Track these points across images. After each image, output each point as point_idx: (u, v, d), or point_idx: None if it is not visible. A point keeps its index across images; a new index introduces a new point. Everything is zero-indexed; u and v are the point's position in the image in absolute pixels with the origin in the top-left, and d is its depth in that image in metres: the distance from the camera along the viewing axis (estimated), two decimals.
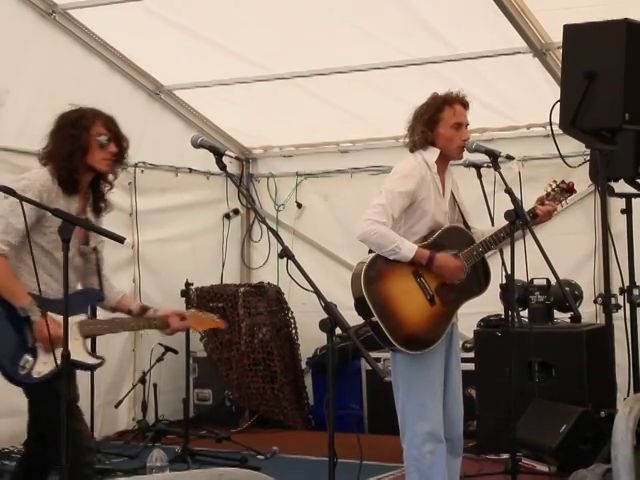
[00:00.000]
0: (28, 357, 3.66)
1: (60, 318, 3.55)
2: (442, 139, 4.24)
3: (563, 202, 4.46)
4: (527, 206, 4.31)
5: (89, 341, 3.90)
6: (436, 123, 4.22)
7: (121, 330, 3.97)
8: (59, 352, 3.55)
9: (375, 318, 4.07)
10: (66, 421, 3.34)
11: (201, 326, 4.18)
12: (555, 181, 4.45)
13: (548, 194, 4.40)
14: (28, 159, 6.52)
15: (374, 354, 5.91)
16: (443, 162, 4.29)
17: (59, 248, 3.65)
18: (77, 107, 3.94)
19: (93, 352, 3.94)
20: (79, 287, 3.95)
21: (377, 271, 4.13)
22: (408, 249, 4.09)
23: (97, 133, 3.84)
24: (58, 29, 6.65)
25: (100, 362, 3.90)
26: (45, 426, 3.79)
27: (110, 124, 3.90)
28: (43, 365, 3.67)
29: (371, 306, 4.07)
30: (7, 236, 3.68)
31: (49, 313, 3.66)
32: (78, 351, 3.76)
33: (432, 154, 4.25)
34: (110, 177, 3.96)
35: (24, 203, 3.54)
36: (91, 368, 3.92)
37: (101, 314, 4.11)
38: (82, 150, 3.81)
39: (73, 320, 3.73)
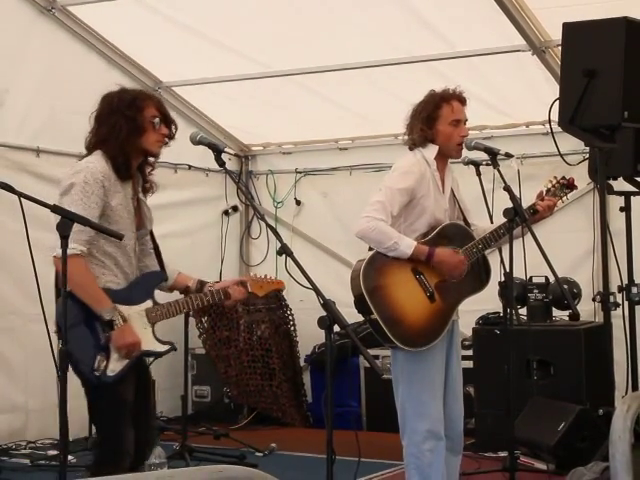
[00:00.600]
0: (101, 356, 3.65)
1: (129, 309, 3.66)
2: (441, 136, 4.23)
3: (564, 198, 4.46)
4: (526, 204, 4.31)
5: (157, 327, 3.83)
6: (434, 120, 4.22)
7: (187, 310, 3.88)
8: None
9: (374, 315, 4.06)
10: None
11: (261, 290, 4.05)
12: (555, 177, 4.45)
13: (548, 190, 4.39)
14: (26, 155, 6.54)
15: (373, 351, 5.93)
16: (442, 159, 4.29)
17: (126, 236, 3.71)
18: (123, 88, 3.87)
19: (159, 337, 3.86)
20: (138, 273, 3.89)
21: (376, 268, 4.13)
22: (407, 245, 4.09)
23: (151, 115, 3.76)
24: (57, 25, 6.65)
25: (170, 348, 3.88)
26: (97, 426, 3.81)
27: (160, 106, 3.84)
28: (116, 363, 3.67)
29: (370, 303, 4.06)
30: (81, 234, 3.59)
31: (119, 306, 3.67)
32: (148, 340, 3.77)
33: (431, 151, 4.24)
34: (151, 159, 3.89)
35: (91, 195, 3.57)
36: (161, 355, 3.89)
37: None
38: (138, 132, 3.73)
39: (140, 308, 3.75)
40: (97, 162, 3.70)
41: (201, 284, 3.97)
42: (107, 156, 3.72)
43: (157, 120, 3.77)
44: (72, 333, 3.55)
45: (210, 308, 7.44)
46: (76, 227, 3.50)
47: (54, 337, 3.52)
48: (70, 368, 3.40)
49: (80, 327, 3.64)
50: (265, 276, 4.13)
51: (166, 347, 3.86)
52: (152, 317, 3.79)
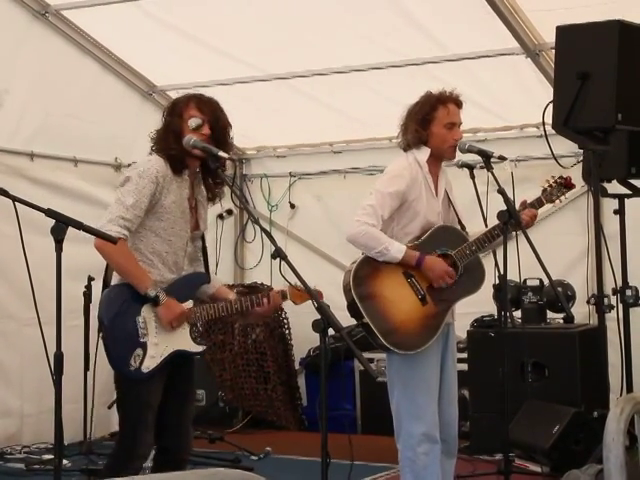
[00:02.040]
0: (139, 352, 3.70)
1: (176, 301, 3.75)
2: (435, 138, 4.23)
3: (561, 197, 4.45)
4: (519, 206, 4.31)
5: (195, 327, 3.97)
6: (429, 122, 4.22)
7: (225, 313, 3.91)
8: (174, 338, 3.72)
9: (366, 319, 4.07)
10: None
11: (300, 299, 4.04)
12: (553, 177, 4.45)
13: (545, 190, 4.39)
14: (21, 160, 6.53)
15: (367, 354, 5.93)
16: (435, 162, 4.29)
17: (177, 235, 3.80)
18: (181, 96, 3.99)
19: (196, 337, 3.93)
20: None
21: (368, 272, 4.13)
22: (397, 250, 4.09)
23: (189, 116, 3.83)
24: (51, 30, 6.64)
25: (204, 349, 3.97)
26: (119, 423, 3.84)
27: (203, 106, 3.89)
28: (151, 359, 3.72)
29: (361, 307, 4.07)
30: (127, 222, 3.70)
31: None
32: (184, 340, 3.83)
33: (424, 153, 4.25)
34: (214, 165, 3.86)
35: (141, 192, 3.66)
36: (195, 356, 3.94)
37: None
38: (175, 134, 3.80)
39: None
40: (155, 160, 3.81)
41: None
42: (163, 154, 3.82)
43: (193, 120, 3.82)
44: (115, 326, 3.68)
45: None
46: (119, 210, 3.66)
47: (50, 341, 3.51)
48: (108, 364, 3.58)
49: (122, 321, 3.71)
50: (301, 286, 4.13)
51: (202, 347, 3.95)
52: (190, 318, 3.84)
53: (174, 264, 3.84)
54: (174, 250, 3.82)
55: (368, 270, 4.13)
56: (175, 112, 3.87)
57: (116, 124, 6.90)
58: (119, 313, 3.73)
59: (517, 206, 4.29)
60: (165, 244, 3.80)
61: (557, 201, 4.46)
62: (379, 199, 4.13)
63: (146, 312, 3.76)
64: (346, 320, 3.90)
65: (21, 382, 6.41)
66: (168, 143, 3.82)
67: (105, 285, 3.83)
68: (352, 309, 4.12)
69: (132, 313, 3.73)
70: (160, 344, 3.76)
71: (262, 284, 7.69)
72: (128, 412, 3.77)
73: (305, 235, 8.03)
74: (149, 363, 3.72)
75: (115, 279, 3.85)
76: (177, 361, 3.83)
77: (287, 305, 7.49)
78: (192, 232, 3.90)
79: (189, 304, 3.85)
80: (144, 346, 3.72)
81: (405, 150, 4.31)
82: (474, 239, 4.27)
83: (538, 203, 4.38)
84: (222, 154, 3.74)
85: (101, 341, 3.79)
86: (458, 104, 4.28)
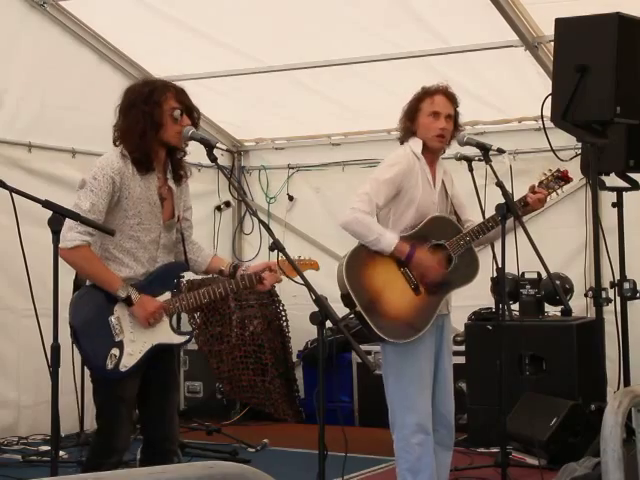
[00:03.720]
0: (115, 351, 3.65)
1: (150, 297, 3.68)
2: (421, 128, 4.25)
3: (558, 190, 4.45)
4: (518, 199, 4.30)
5: (176, 318, 3.86)
6: (416, 113, 4.25)
7: (209, 299, 3.84)
8: (152, 333, 3.67)
9: (358, 308, 4.07)
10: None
11: (295, 272, 3.90)
12: (550, 169, 4.44)
13: (541, 182, 4.39)
14: (18, 150, 6.52)
15: (365, 347, 5.91)
16: (430, 153, 4.29)
17: (147, 230, 3.71)
18: (145, 79, 3.85)
19: (179, 329, 3.87)
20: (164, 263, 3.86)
21: (360, 261, 4.13)
22: (387, 244, 4.09)
23: (170, 107, 3.71)
24: (49, 20, 6.63)
25: (187, 339, 3.87)
26: (96, 416, 3.80)
27: (181, 96, 3.77)
28: (129, 357, 3.67)
29: (354, 296, 4.07)
30: (80, 226, 3.59)
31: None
32: (163, 333, 3.76)
33: (417, 144, 4.26)
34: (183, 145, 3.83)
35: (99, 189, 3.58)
36: (178, 347, 3.88)
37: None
38: (156, 127, 3.69)
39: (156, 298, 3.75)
40: (110, 159, 3.69)
41: (234, 268, 3.94)
42: (127, 151, 3.71)
43: (177, 112, 3.72)
44: (86, 328, 3.62)
45: (202, 305, 7.43)
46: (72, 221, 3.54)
47: (48, 332, 3.50)
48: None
49: (94, 322, 3.66)
50: (299, 257, 4.08)
51: (183, 338, 3.86)
52: (169, 309, 3.78)
53: (148, 259, 3.76)
54: (144, 245, 3.73)
55: (361, 259, 4.14)
56: (152, 101, 3.69)
57: (114, 115, 6.87)
58: (90, 315, 3.66)
59: (520, 197, 4.29)
60: (134, 241, 3.71)
61: (554, 194, 4.46)
62: (374, 187, 4.14)
63: (120, 310, 3.70)
64: (343, 312, 3.90)
65: (18, 373, 6.41)
66: (146, 139, 3.68)
67: (76, 287, 3.77)
68: (345, 298, 4.12)
69: (104, 314, 3.66)
70: (137, 340, 3.70)
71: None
72: (103, 407, 3.71)
73: (303, 227, 8.03)
74: (127, 361, 3.66)
75: (88, 281, 3.80)
76: (158, 354, 3.76)
77: (285, 297, 7.57)
78: (165, 222, 3.80)
79: (166, 296, 3.78)
80: (120, 345, 3.66)
81: (402, 143, 4.33)
82: (468, 230, 4.26)
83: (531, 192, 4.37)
84: (220, 146, 3.72)
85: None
86: (447, 95, 4.27)
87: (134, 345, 3.69)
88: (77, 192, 3.69)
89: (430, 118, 4.22)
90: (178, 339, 3.83)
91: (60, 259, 3.50)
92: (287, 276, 3.83)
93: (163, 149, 3.78)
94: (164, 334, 3.77)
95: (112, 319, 3.67)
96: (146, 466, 1.72)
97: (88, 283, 3.79)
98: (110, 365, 3.63)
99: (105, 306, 3.67)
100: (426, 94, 4.25)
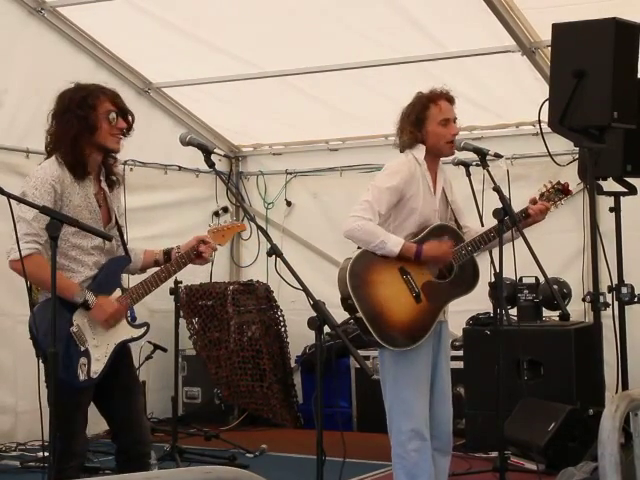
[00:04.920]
0: (83, 361, 3.64)
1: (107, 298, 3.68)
2: (431, 137, 4.23)
3: (558, 203, 4.45)
4: (515, 204, 4.31)
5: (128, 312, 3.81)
6: (423, 122, 4.22)
7: (157, 286, 3.82)
8: (112, 333, 3.67)
9: (360, 314, 4.07)
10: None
11: (224, 240, 4.02)
12: (550, 182, 4.44)
13: (542, 194, 4.39)
14: (16, 156, 6.51)
15: (363, 352, 5.92)
16: (433, 159, 4.29)
17: (87, 237, 3.68)
18: (78, 84, 3.79)
19: (134, 322, 3.83)
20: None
21: (363, 267, 4.13)
22: (394, 244, 4.09)
23: (105, 110, 3.69)
24: (46, 26, 6.64)
25: (146, 330, 3.86)
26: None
27: (116, 99, 3.76)
28: (97, 363, 3.67)
29: (356, 302, 4.06)
30: (33, 236, 3.59)
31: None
32: (122, 330, 3.76)
33: (421, 152, 4.25)
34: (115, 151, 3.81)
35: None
36: (139, 339, 3.86)
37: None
38: (90, 130, 3.67)
39: (112, 298, 3.74)
40: (48, 167, 3.68)
41: (167, 254, 3.93)
42: (61, 158, 3.68)
43: (113, 115, 3.71)
44: (49, 341, 3.49)
45: (201, 309, 7.44)
46: (22, 228, 3.54)
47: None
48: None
49: (57, 338, 3.53)
50: (225, 222, 4.12)
51: (142, 330, 3.84)
52: (124, 306, 3.76)
53: (94, 263, 3.74)
54: (88, 252, 3.71)
55: (364, 265, 4.13)
56: (86, 105, 3.67)
57: None
58: (53, 329, 3.54)
59: (519, 202, 4.30)
60: (77, 249, 3.69)
61: (553, 207, 4.46)
62: (376, 194, 4.13)
63: (78, 319, 3.68)
64: (342, 317, 3.91)
65: (15, 379, 6.40)
66: (80, 143, 3.67)
67: (31, 306, 3.65)
68: (346, 303, 4.12)
69: (64, 326, 3.61)
70: (101, 345, 3.69)
71: (258, 281, 7.70)
72: (62, 414, 3.55)
73: (301, 233, 8.03)
74: (96, 367, 3.66)
75: (41, 297, 3.74)
76: (116, 357, 3.74)
77: (283, 303, 7.57)
78: (105, 226, 3.79)
79: (118, 293, 3.77)
80: (87, 353, 3.65)
81: (402, 151, 4.31)
82: (470, 240, 4.27)
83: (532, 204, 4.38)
84: (218, 151, 3.72)
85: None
86: (449, 100, 4.28)
87: (99, 350, 3.68)
88: (17, 206, 3.58)
89: (440, 126, 4.21)
90: (138, 332, 3.82)
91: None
92: (218, 244, 3.87)
93: (99, 153, 3.76)
94: (124, 331, 3.77)
95: (73, 330, 3.66)
96: (121, 473, 1.72)
97: (40, 300, 3.73)
98: (82, 376, 3.63)
99: (64, 319, 3.62)
100: (430, 100, 4.23)
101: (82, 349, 3.65)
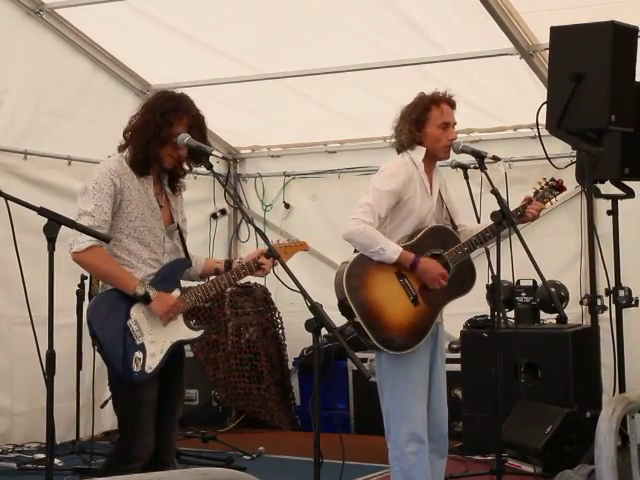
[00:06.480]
0: (139, 355, 3.69)
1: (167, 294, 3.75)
2: (429, 139, 4.24)
3: (552, 200, 4.46)
4: (513, 206, 4.31)
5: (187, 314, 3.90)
6: (423, 123, 4.23)
7: (215, 292, 3.89)
8: (169, 331, 3.72)
9: (357, 319, 4.06)
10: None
11: (286, 255, 4.04)
12: (544, 178, 4.45)
13: (537, 192, 4.40)
14: (14, 158, 6.51)
15: (360, 354, 5.93)
16: (430, 161, 4.29)
17: (152, 233, 3.78)
18: (172, 94, 3.91)
19: (191, 324, 3.90)
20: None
21: (360, 271, 4.13)
22: (392, 251, 4.09)
23: (177, 131, 3.77)
24: (44, 27, 6.62)
25: (203, 332, 3.94)
26: (118, 423, 3.88)
27: (193, 127, 3.80)
28: (152, 358, 3.72)
29: (353, 306, 4.06)
30: (95, 228, 3.64)
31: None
32: (180, 329, 3.82)
33: (419, 153, 4.25)
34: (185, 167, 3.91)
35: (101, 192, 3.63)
36: (196, 341, 3.95)
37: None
38: (159, 142, 3.77)
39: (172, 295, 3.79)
40: (111, 162, 3.79)
41: (229, 263, 4.01)
42: (132, 150, 3.79)
43: (180, 138, 3.76)
44: (108, 336, 3.66)
45: (198, 311, 7.43)
46: (83, 221, 3.63)
47: (41, 340, 3.49)
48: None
49: (115, 330, 3.69)
50: (288, 240, 4.18)
51: (200, 332, 3.91)
52: (183, 305, 3.82)
53: (155, 261, 3.82)
54: (151, 248, 3.80)
55: (361, 269, 4.13)
56: (166, 118, 3.78)
57: (109, 123, 6.86)
58: (109, 323, 3.70)
59: (517, 205, 4.30)
60: (139, 243, 3.78)
61: (548, 203, 4.47)
62: (376, 197, 4.13)
63: (135, 313, 3.74)
64: (339, 320, 3.90)
65: (11, 381, 6.39)
66: (149, 149, 3.77)
67: (90, 297, 3.81)
68: (343, 307, 4.11)
69: (121, 318, 3.70)
70: (157, 341, 3.75)
71: (256, 284, 7.69)
72: (125, 413, 3.76)
73: (299, 235, 7.96)
74: (151, 362, 3.71)
75: (101, 289, 3.83)
76: (170, 360, 3.79)
77: (281, 305, 7.56)
78: (166, 227, 3.87)
79: (176, 293, 3.83)
80: (142, 347, 3.70)
81: (399, 151, 4.31)
82: (466, 240, 4.27)
83: (528, 203, 4.38)
84: (216, 153, 3.73)
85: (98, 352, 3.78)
86: (451, 104, 4.29)
87: (155, 345, 3.73)
88: (78, 199, 3.75)
89: (440, 129, 4.22)
90: (195, 334, 3.89)
91: (76, 265, 3.61)
92: (279, 260, 3.84)
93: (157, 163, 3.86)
94: (181, 331, 3.83)
95: (130, 323, 3.72)
96: None
97: (100, 291, 3.83)
98: (137, 368, 3.67)
99: (121, 311, 3.71)
100: (432, 102, 4.24)
101: (138, 343, 3.70)
